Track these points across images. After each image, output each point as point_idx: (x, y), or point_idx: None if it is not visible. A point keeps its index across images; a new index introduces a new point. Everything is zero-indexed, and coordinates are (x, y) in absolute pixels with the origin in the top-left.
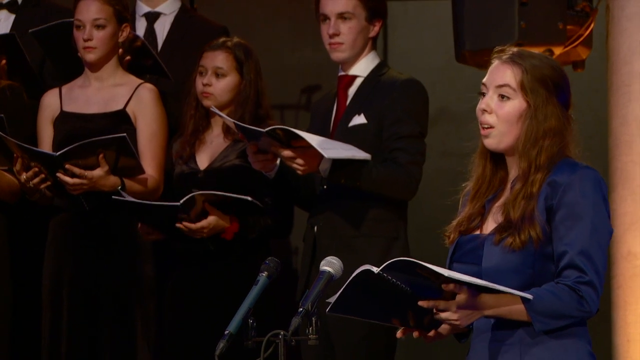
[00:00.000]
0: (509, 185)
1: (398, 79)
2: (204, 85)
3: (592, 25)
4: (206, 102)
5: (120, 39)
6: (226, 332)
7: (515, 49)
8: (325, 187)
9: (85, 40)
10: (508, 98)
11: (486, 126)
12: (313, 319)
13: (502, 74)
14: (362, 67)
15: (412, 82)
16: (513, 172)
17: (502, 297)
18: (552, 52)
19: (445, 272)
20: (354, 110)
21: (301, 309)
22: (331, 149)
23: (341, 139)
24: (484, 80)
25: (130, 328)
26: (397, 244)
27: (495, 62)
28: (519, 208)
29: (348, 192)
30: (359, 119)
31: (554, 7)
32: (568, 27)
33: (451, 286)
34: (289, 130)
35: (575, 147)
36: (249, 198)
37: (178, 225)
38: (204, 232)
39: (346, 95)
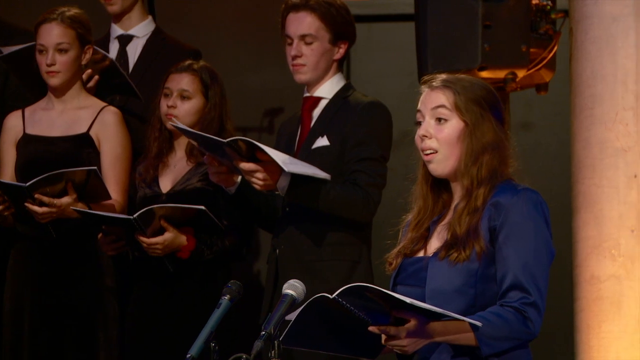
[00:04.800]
0: (452, 206)
1: (362, 101)
2: (169, 107)
3: (555, 48)
4: (169, 125)
5: (84, 62)
6: (188, 355)
7: (443, 75)
8: (287, 209)
9: (49, 65)
10: (445, 120)
11: (429, 152)
12: (276, 342)
13: (435, 97)
14: (327, 89)
15: (376, 104)
16: (457, 195)
17: (449, 324)
18: (515, 75)
19: (407, 300)
20: (317, 132)
21: (264, 332)
22: (291, 164)
23: (304, 160)
24: (418, 107)
25: (93, 353)
26: (360, 268)
27: (426, 90)
28: (465, 223)
29: (310, 214)
30: (322, 141)
31: (517, 29)
32: (531, 49)
33: (402, 313)
34: (250, 142)
35: (514, 161)
36: (203, 207)
37: (136, 238)
38: (158, 249)
39: (310, 117)
